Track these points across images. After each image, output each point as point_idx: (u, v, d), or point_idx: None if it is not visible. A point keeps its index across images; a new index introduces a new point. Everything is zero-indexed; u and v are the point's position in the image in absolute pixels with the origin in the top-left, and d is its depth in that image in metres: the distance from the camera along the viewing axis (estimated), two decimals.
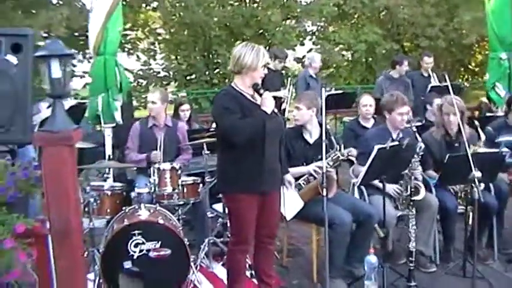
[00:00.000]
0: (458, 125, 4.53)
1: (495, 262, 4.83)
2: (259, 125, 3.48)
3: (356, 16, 14.06)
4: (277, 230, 3.98)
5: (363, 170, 3.90)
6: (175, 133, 5.26)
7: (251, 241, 3.74)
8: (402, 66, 7.81)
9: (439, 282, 4.34)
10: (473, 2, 11.80)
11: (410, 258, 4.20)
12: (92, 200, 4.23)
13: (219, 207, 5.24)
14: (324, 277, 3.76)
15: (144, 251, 3.92)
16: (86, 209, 4.18)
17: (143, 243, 3.91)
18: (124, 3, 10.64)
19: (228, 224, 3.95)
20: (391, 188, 4.53)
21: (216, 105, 3.64)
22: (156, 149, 4.93)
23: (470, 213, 4.22)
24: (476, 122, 4.88)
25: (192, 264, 4.12)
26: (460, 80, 14.86)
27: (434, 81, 7.90)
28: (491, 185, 4.86)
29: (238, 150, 3.51)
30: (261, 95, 3.56)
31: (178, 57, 12.15)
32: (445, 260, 4.77)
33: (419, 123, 6.02)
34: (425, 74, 7.98)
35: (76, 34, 10.97)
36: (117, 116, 5.65)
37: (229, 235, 4.83)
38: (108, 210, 4.37)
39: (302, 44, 12.53)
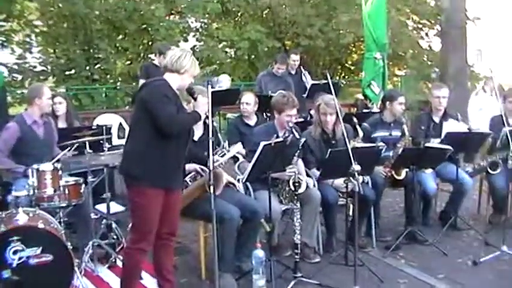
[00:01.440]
0: (337, 120, 4.74)
1: (374, 249, 5.14)
2: (191, 123, 3.67)
3: (239, 14, 14.24)
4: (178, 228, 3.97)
5: (249, 166, 3.95)
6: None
7: (152, 240, 3.69)
8: (277, 64, 7.87)
9: (323, 272, 4.50)
10: (350, 4, 12.42)
11: (296, 251, 4.35)
12: None
13: (103, 207, 5.08)
14: (213, 274, 3.77)
15: (24, 258, 3.68)
16: None
17: (22, 249, 3.67)
18: None
19: (130, 225, 3.82)
20: (284, 173, 4.59)
21: (155, 92, 3.55)
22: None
23: (351, 205, 4.42)
24: (355, 119, 5.12)
25: (76, 269, 3.95)
26: (338, 78, 15.52)
27: (305, 79, 8.11)
28: (368, 178, 5.17)
29: (160, 142, 3.52)
30: (195, 98, 3.73)
31: (57, 50, 11.57)
32: (328, 250, 5.00)
33: (301, 120, 6.24)
34: (293, 72, 8.11)
35: None
36: None
37: (114, 237, 4.77)
38: None
39: (186, 40, 12.46)
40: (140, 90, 3.71)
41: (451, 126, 5.71)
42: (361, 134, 5.02)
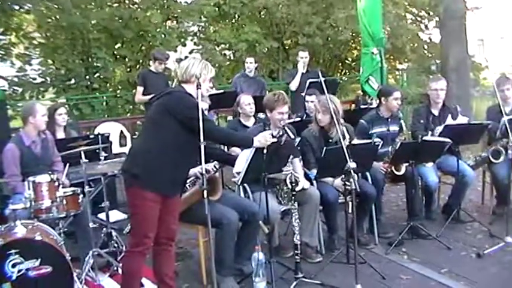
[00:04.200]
0: (332, 119, 4.71)
1: (377, 246, 5.12)
2: (239, 144, 4.07)
3: (236, 16, 14.23)
4: (176, 234, 3.96)
5: (243, 169, 3.93)
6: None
7: (150, 244, 3.67)
8: (246, 64, 8.25)
9: (325, 271, 4.48)
10: (347, 0, 12.38)
11: (296, 251, 4.32)
12: None
13: (103, 216, 5.08)
14: (214, 279, 3.76)
15: (23, 271, 3.65)
16: None
17: (21, 262, 3.65)
18: None
19: (127, 228, 3.81)
20: (280, 174, 4.58)
21: (187, 101, 3.58)
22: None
23: (350, 203, 4.39)
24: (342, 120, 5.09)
25: (76, 279, 3.96)
26: (338, 75, 15.48)
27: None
28: (368, 174, 5.14)
29: (172, 151, 3.56)
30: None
31: (56, 61, 11.61)
32: (330, 249, 4.98)
33: (298, 119, 6.21)
34: (304, 70, 8.18)
35: None
36: None
37: (115, 245, 4.77)
38: None
39: (184, 45, 12.46)
40: (162, 96, 3.68)
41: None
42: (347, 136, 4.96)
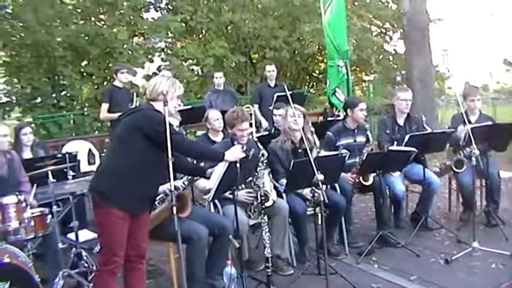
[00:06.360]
0: (301, 133, 4.77)
1: (347, 256, 5.16)
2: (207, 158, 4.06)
3: (203, 31, 14.27)
4: (146, 251, 3.93)
5: (214, 185, 3.94)
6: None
7: (120, 262, 3.64)
8: (214, 79, 8.47)
9: (296, 283, 4.51)
10: (312, 14, 12.53)
11: (267, 264, 4.34)
12: None
13: (72, 236, 5.01)
14: None
15: None
16: None
17: None
18: None
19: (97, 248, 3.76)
20: (242, 195, 4.65)
21: (155, 118, 3.56)
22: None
23: (319, 214, 4.43)
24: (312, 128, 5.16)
25: None
26: (306, 87, 15.62)
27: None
28: (337, 186, 5.20)
29: (140, 169, 3.54)
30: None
31: (21, 80, 11.45)
32: (301, 260, 5.00)
33: (266, 133, 6.26)
34: (272, 84, 8.26)
35: None
36: None
37: (85, 265, 4.71)
38: None
39: (151, 61, 12.43)
40: (130, 114, 3.68)
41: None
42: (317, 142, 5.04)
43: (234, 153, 3.90)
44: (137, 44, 12.49)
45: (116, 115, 6.28)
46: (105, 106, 7.30)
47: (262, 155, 4.59)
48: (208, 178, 4.05)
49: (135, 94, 7.31)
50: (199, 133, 7.97)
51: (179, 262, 4.01)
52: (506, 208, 6.12)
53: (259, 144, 4.77)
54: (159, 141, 3.48)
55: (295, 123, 4.91)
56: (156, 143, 3.53)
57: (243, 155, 3.94)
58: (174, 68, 11.85)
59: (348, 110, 5.64)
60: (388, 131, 5.75)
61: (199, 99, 11.52)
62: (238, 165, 3.93)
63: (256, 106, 8.20)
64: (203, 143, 5.31)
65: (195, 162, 4.46)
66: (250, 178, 4.61)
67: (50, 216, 4.47)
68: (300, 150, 5.02)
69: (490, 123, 5.62)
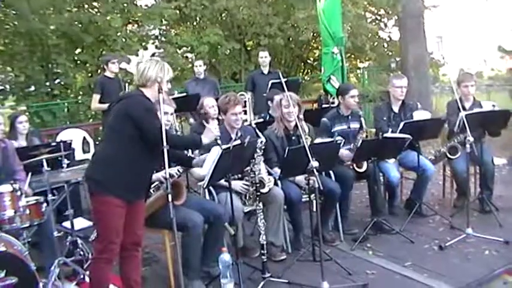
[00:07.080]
0: (296, 120, 4.77)
1: (342, 243, 5.19)
2: (188, 147, 4.06)
3: (197, 18, 14.18)
4: (142, 239, 3.94)
5: (208, 172, 3.94)
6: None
7: (116, 250, 3.65)
8: (194, 67, 8.47)
9: (292, 270, 4.53)
10: (306, 0, 12.46)
11: (262, 251, 4.36)
12: None
13: (68, 224, 5.01)
14: (182, 282, 3.76)
15: None
16: None
17: None
18: None
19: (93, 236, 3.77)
20: (237, 184, 4.66)
21: (143, 104, 3.55)
22: None
23: (314, 201, 4.44)
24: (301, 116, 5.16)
25: None
26: (301, 75, 15.58)
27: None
28: (331, 172, 5.21)
29: (134, 156, 3.53)
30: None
31: (15, 69, 11.37)
32: (296, 247, 5.03)
33: (261, 120, 6.25)
34: (265, 71, 8.22)
35: None
36: None
37: (80, 253, 4.72)
38: None
39: (145, 49, 12.35)
40: (120, 101, 3.65)
41: (418, 115, 5.82)
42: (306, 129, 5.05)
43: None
44: (131, 31, 12.39)
45: (106, 105, 6.26)
46: (96, 97, 7.32)
47: (261, 142, 4.56)
48: (196, 166, 4.06)
49: (127, 83, 7.29)
50: (191, 120, 7.89)
51: (175, 250, 4.03)
52: (500, 194, 6.14)
53: (257, 131, 4.74)
54: (143, 128, 3.49)
55: (289, 114, 4.92)
56: (143, 130, 3.51)
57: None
58: (169, 55, 11.79)
59: (340, 97, 5.65)
60: (384, 118, 5.76)
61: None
62: (230, 149, 3.92)
63: (249, 93, 8.17)
64: (179, 134, 5.28)
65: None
66: (248, 168, 4.60)
67: (45, 204, 4.47)
68: (293, 138, 5.03)
69: (484, 109, 5.65)
